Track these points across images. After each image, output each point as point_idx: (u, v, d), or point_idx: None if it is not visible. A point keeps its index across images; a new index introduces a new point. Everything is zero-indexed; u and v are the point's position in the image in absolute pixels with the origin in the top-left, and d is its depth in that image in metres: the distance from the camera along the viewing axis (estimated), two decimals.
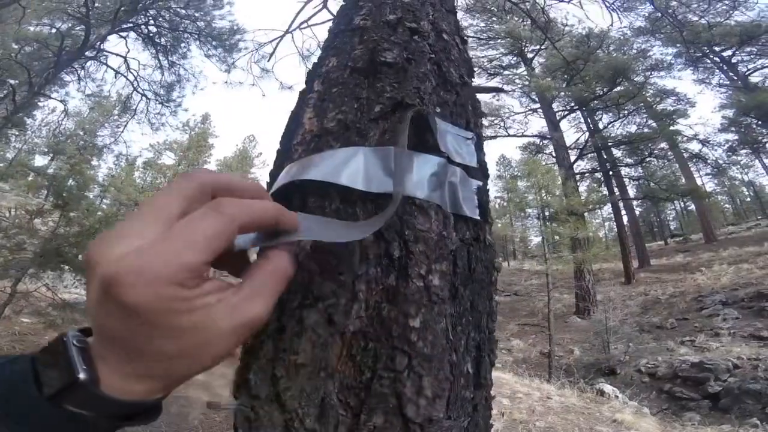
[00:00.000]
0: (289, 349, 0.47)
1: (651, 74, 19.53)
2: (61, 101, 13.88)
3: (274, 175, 0.72)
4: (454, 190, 0.56)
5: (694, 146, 21.90)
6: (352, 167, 0.51)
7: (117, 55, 11.98)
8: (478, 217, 0.58)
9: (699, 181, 29.23)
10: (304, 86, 0.94)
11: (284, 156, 0.68)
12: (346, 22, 0.89)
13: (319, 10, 5.01)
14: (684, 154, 23.11)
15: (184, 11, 11.87)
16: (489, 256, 0.60)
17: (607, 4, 4.62)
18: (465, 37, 0.98)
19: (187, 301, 0.27)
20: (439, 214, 0.53)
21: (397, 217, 0.50)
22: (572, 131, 25.02)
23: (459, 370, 0.50)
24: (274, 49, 5.79)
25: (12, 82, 10.29)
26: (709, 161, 22.85)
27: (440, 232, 0.51)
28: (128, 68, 12.14)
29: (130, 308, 0.25)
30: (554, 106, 18.93)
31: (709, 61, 22.54)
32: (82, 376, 0.26)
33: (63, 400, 0.26)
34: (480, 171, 0.64)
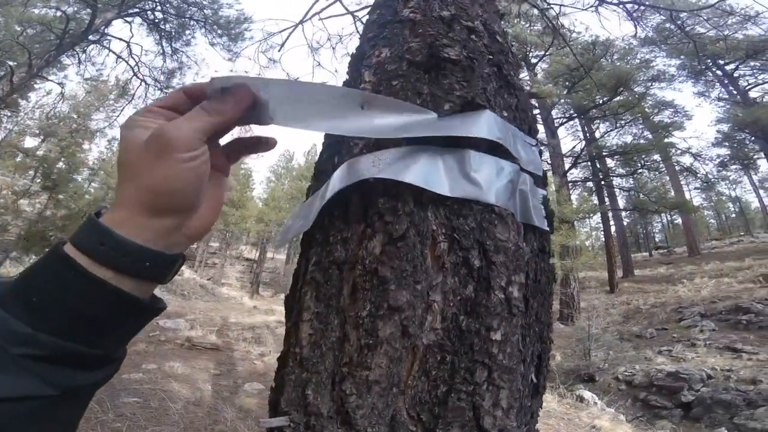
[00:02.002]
0: (357, 363, 0.44)
1: (652, 85, 19.65)
2: (58, 84, 13.41)
3: (322, 169, 0.68)
4: (524, 198, 0.54)
5: (686, 159, 22.25)
6: (428, 168, 0.48)
7: (120, 39, 11.68)
8: (547, 228, 0.56)
9: (688, 195, 29.82)
10: (346, 76, 0.90)
11: (336, 149, 0.65)
12: (391, 13, 0.86)
13: (333, 3, 4.92)
14: (675, 167, 23.49)
15: None
16: (551, 267, 0.58)
17: (628, 13, 4.62)
18: (512, 43, 0.96)
19: (133, 121, 0.38)
20: (514, 224, 0.51)
21: (476, 224, 0.48)
22: (569, 139, 25.27)
23: (526, 380, 0.48)
24: (285, 40, 5.67)
25: (11, 63, 10.00)
26: (699, 175, 23.28)
27: (517, 242, 0.49)
28: (130, 53, 11.79)
29: (121, 133, 0.38)
30: (553, 112, 19.03)
31: (711, 74, 22.64)
32: (97, 214, 0.35)
33: (79, 243, 0.33)
34: (543, 179, 0.62)
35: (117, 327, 0.35)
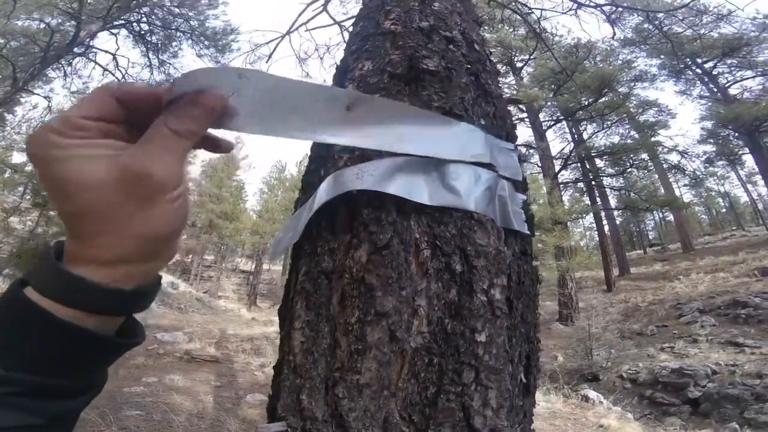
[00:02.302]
0: (348, 368, 0.45)
1: (635, 85, 20.05)
2: (45, 97, 13.32)
3: (309, 181, 0.70)
4: (503, 203, 0.56)
5: (674, 157, 22.64)
6: (409, 179, 0.50)
7: (106, 52, 11.65)
8: (527, 232, 0.58)
9: (677, 192, 30.24)
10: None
11: (322, 161, 0.67)
12: (374, 26, 0.87)
13: (319, 13, 5.00)
14: (663, 165, 23.85)
15: (177, 10, 11.70)
16: (534, 269, 0.60)
17: (606, 15, 4.75)
18: (491, 50, 0.99)
19: (62, 149, 0.28)
20: (494, 229, 0.53)
21: (456, 230, 0.50)
22: (557, 141, 25.62)
23: (515, 380, 0.50)
24: (272, 51, 5.74)
25: None
26: (687, 172, 23.67)
27: (497, 246, 0.51)
28: (117, 66, 11.75)
29: (31, 159, 0.29)
30: (541, 116, 19.29)
31: (691, 73, 23.19)
32: (50, 254, 0.31)
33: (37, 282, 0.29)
34: (522, 184, 0.64)
35: (95, 363, 0.34)
